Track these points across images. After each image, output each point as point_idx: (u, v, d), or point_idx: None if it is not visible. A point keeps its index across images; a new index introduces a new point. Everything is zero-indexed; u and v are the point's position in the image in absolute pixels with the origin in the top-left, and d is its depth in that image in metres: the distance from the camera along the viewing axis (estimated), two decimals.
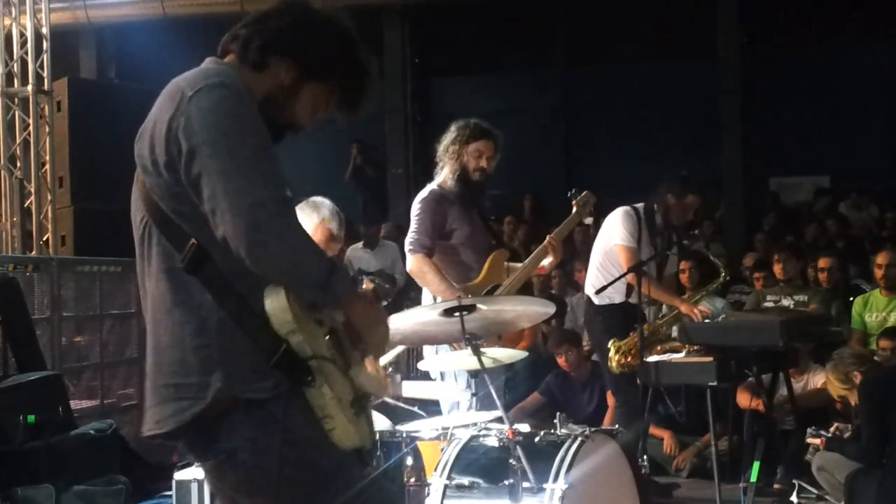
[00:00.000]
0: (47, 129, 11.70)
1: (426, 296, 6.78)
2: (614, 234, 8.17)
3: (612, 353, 7.88)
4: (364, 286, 4.76)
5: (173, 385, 3.19)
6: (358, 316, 3.32)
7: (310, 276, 3.12)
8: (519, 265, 6.93)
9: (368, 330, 3.35)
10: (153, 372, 3.26)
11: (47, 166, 11.68)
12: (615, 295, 8.07)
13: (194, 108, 3.10)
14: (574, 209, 7.30)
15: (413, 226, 6.72)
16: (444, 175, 6.84)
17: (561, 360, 10.01)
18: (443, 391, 6.48)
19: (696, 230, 9.95)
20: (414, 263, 6.68)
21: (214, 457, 3.22)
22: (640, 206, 8.30)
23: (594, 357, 9.78)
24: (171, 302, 3.21)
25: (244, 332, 3.13)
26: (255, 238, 3.00)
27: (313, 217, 5.66)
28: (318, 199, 5.81)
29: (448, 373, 6.54)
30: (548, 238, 6.87)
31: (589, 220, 7.41)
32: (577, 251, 13.10)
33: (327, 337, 3.26)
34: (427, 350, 6.54)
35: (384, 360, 5.83)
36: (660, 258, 8.25)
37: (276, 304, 3.11)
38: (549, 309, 5.70)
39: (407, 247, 6.74)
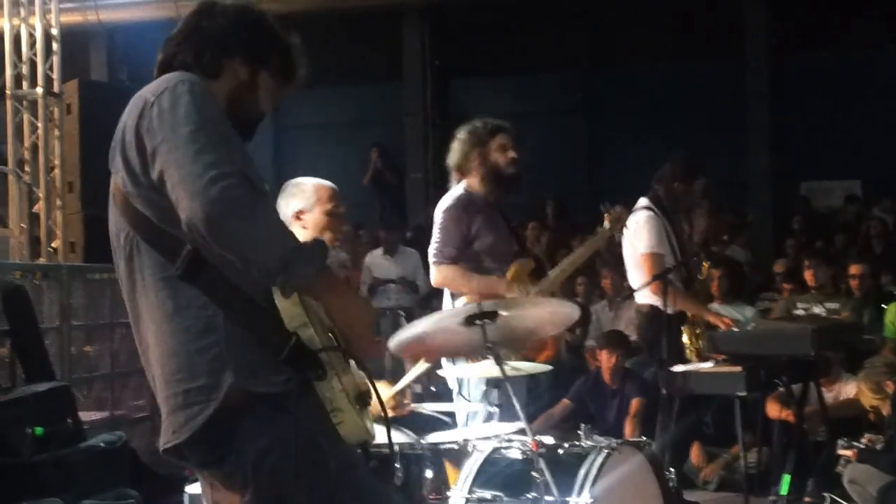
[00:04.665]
0: (57, 133, 11.60)
1: (444, 304, 6.62)
2: (640, 242, 7.95)
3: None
4: None
5: (182, 392, 3.20)
6: (332, 303, 3.26)
7: (272, 253, 3.07)
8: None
9: (344, 320, 3.28)
10: (161, 385, 3.28)
11: (56, 171, 11.58)
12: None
13: (155, 110, 3.17)
14: (606, 223, 7.03)
15: (437, 236, 6.54)
16: (471, 181, 6.65)
17: (604, 361, 9.82)
18: (456, 406, 6.31)
19: (724, 236, 9.79)
20: (439, 274, 6.51)
21: (226, 461, 3.22)
22: (647, 202, 8.03)
23: (627, 365, 9.70)
24: (173, 308, 3.22)
25: (251, 328, 3.16)
26: (210, 218, 3.00)
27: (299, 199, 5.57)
28: (298, 180, 5.69)
29: (465, 381, 6.36)
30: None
31: (620, 237, 7.24)
32: (603, 258, 12.95)
33: (330, 333, 3.26)
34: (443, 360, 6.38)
35: (406, 380, 5.72)
36: (687, 264, 8.05)
37: (284, 297, 3.15)
38: (574, 311, 5.54)
39: (431, 259, 6.56)
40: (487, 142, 6.61)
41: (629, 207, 7.90)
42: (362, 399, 3.27)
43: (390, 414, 5.51)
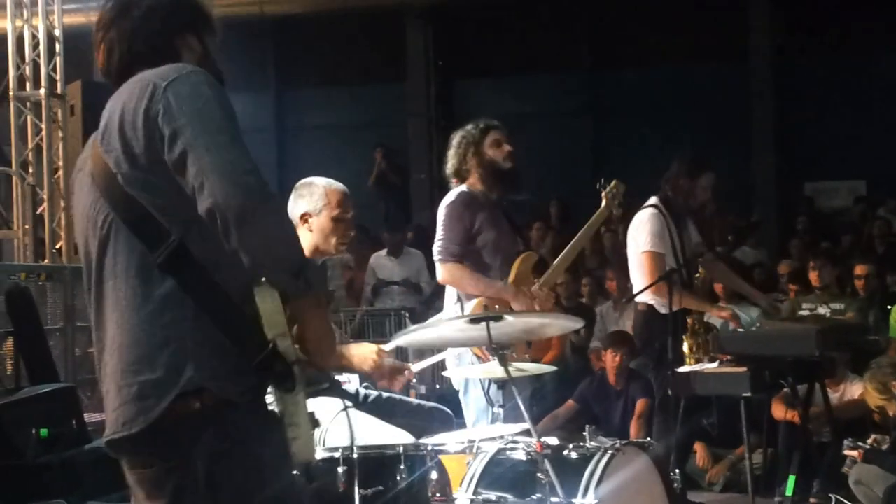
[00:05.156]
0: (60, 134, 11.64)
1: (448, 305, 6.60)
2: (641, 240, 7.95)
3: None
4: None
5: (138, 383, 3.10)
6: (312, 320, 3.19)
7: (290, 256, 3.07)
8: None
9: (317, 338, 3.21)
10: (115, 373, 3.17)
11: (60, 172, 11.62)
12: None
13: (172, 96, 3.09)
14: (604, 202, 7.08)
15: (440, 233, 6.54)
16: (471, 181, 6.66)
17: (608, 361, 9.82)
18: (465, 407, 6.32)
19: (729, 236, 9.77)
20: (445, 273, 6.50)
21: (165, 463, 3.12)
22: (655, 200, 8.05)
23: (631, 365, 9.69)
24: (143, 298, 3.14)
25: (225, 329, 3.10)
26: (246, 205, 2.96)
27: (307, 199, 5.59)
28: (309, 179, 5.71)
29: (472, 381, 6.36)
30: (533, 287, 6.64)
31: (619, 213, 7.23)
32: (607, 259, 12.95)
33: (296, 346, 3.19)
34: (450, 360, 6.37)
35: (419, 366, 5.70)
36: (688, 267, 8.04)
37: (270, 304, 3.08)
38: (577, 324, 5.59)
39: (436, 256, 6.56)
40: (481, 140, 6.62)
41: (634, 208, 7.92)
42: (314, 421, 3.21)
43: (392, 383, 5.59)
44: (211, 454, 3.06)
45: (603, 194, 7.07)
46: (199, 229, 3.06)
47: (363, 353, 5.54)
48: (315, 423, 3.18)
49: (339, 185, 5.67)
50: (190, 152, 3.01)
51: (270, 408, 3.13)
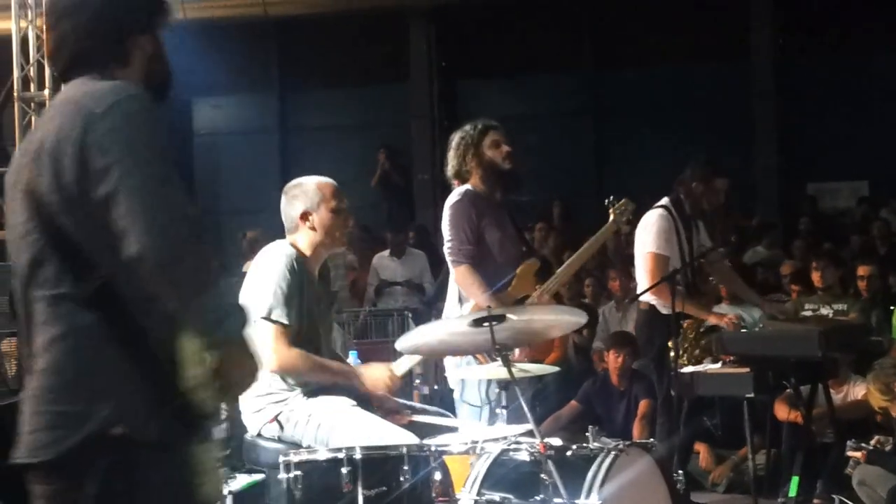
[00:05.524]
0: None
1: (449, 305, 6.64)
2: (647, 240, 7.96)
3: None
4: None
5: (54, 413, 3.06)
6: (234, 362, 3.13)
7: (214, 306, 3.03)
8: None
9: (237, 379, 3.18)
10: (34, 397, 3.11)
11: None
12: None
13: (105, 128, 3.02)
14: (611, 217, 7.12)
15: (450, 234, 6.55)
16: (473, 182, 6.68)
17: (611, 361, 9.79)
18: (459, 420, 6.31)
19: (732, 237, 9.76)
20: (460, 274, 6.52)
21: (68, 491, 3.06)
22: (666, 201, 8.06)
23: (634, 365, 9.68)
24: (67, 328, 3.08)
25: (143, 371, 3.06)
26: (171, 253, 2.93)
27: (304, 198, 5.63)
28: (298, 180, 5.75)
29: (469, 382, 6.39)
30: (535, 294, 6.65)
31: (626, 230, 7.23)
32: (610, 259, 12.93)
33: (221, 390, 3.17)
34: (449, 359, 6.39)
35: (402, 367, 5.70)
36: (693, 269, 8.04)
37: (191, 353, 3.04)
38: (581, 318, 5.56)
39: (449, 258, 6.58)
40: (480, 142, 6.65)
41: (639, 209, 7.91)
42: (221, 461, 3.28)
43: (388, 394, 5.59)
44: (112, 492, 3.02)
45: (611, 210, 7.10)
46: (126, 269, 2.98)
47: (376, 376, 5.58)
48: (223, 464, 3.19)
49: (328, 179, 5.72)
50: (118, 192, 2.96)
51: (180, 453, 3.10)
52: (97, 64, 3.25)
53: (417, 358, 5.81)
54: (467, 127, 6.76)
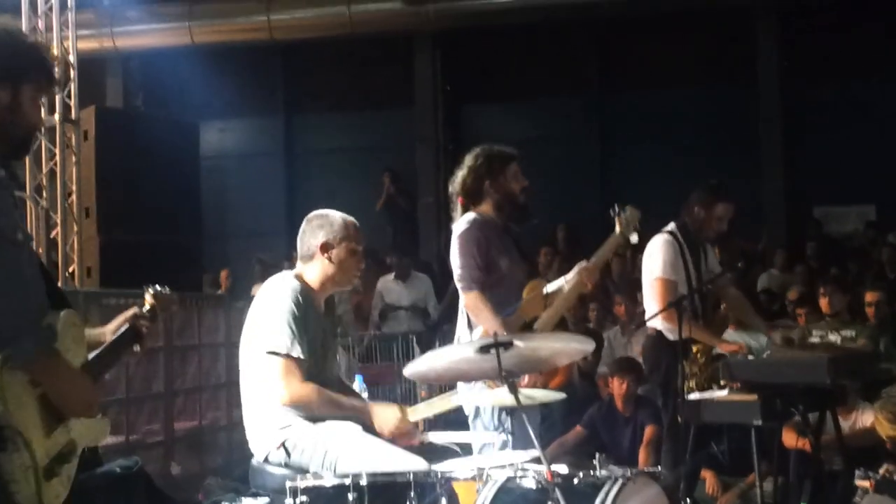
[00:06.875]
0: (74, 159, 11.69)
1: (459, 331, 6.61)
2: (654, 266, 7.94)
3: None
4: (146, 297, 4.68)
5: None
6: (50, 387, 3.27)
7: (6, 322, 3.11)
8: (553, 285, 6.69)
9: (64, 404, 3.35)
10: None
11: (73, 196, 11.66)
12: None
13: None
14: (617, 228, 6.80)
15: (460, 261, 6.49)
16: (483, 208, 6.63)
17: (615, 388, 9.76)
18: (472, 435, 6.30)
19: (739, 263, 9.68)
20: (470, 300, 6.47)
21: None
22: (673, 227, 8.04)
23: (639, 391, 9.65)
24: None
25: None
26: None
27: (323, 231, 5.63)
28: (324, 211, 5.75)
29: (483, 409, 6.39)
30: (577, 267, 6.60)
31: (635, 239, 6.96)
32: (615, 283, 12.90)
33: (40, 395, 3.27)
34: (461, 384, 6.34)
35: (417, 415, 5.64)
36: (701, 295, 8.01)
37: None
38: (588, 346, 5.50)
39: (459, 284, 6.53)
40: (503, 170, 6.59)
41: (646, 233, 7.87)
42: (59, 461, 3.38)
43: (403, 441, 5.53)
44: None
45: (617, 220, 6.81)
46: None
47: (386, 417, 5.52)
48: (60, 465, 3.40)
49: (353, 219, 5.73)
50: None
51: None
52: None
53: (435, 410, 5.78)
54: (491, 151, 6.68)
